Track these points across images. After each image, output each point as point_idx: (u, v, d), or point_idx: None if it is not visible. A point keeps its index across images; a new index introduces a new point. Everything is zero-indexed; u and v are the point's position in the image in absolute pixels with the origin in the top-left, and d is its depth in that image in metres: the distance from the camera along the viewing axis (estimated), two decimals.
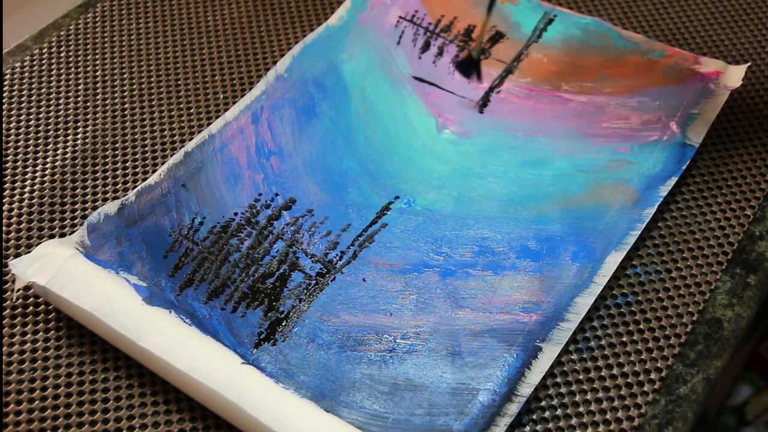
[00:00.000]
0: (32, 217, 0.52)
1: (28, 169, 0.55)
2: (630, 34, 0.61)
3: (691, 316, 0.46)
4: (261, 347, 0.45)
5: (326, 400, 0.43)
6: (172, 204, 0.50)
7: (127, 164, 0.55)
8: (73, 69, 0.61)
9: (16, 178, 0.54)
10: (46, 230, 0.51)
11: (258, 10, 0.66)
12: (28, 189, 0.53)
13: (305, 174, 0.54)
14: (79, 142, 0.56)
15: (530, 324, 0.45)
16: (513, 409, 0.41)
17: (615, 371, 0.44)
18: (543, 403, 0.43)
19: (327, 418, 0.40)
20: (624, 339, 0.46)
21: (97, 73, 0.61)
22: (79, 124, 0.58)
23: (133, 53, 0.62)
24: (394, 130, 0.57)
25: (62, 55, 0.62)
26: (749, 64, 0.59)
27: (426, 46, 0.62)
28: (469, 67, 0.61)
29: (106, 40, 0.63)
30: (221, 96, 0.59)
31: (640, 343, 0.45)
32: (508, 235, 0.50)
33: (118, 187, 0.54)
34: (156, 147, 0.56)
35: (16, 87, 0.60)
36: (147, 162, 0.55)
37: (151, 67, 0.61)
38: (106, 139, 0.57)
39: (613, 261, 0.47)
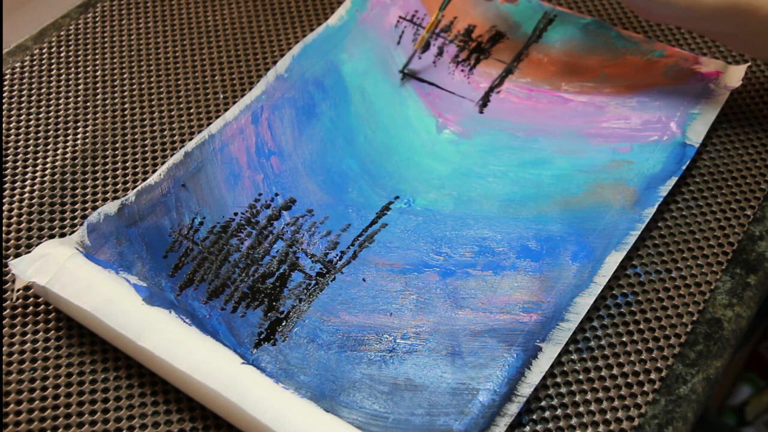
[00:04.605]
0: (32, 217, 0.52)
1: (28, 169, 0.55)
2: (630, 34, 0.61)
3: (691, 316, 0.46)
4: (261, 347, 0.45)
5: (326, 400, 0.43)
6: (172, 204, 0.50)
7: (127, 164, 0.55)
8: (73, 69, 0.61)
9: (16, 178, 0.54)
10: (46, 230, 0.51)
11: (258, 10, 0.66)
12: (28, 189, 0.53)
13: (305, 174, 0.54)
14: (79, 142, 0.56)
15: (530, 324, 0.45)
16: (513, 409, 0.41)
17: (615, 371, 0.44)
18: (543, 403, 0.43)
19: (327, 418, 0.40)
20: (624, 339, 0.46)
21: (97, 73, 0.61)
22: (79, 124, 0.58)
23: (133, 53, 0.62)
24: (394, 130, 0.57)
25: (62, 55, 0.62)
26: (749, 64, 0.59)
27: (426, 46, 0.62)
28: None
29: (106, 40, 0.63)
30: (221, 96, 0.59)
31: (640, 343, 0.45)
32: (508, 235, 0.50)
33: (118, 187, 0.53)
34: (156, 147, 0.56)
35: (16, 87, 0.60)
36: (147, 162, 0.55)
37: (151, 67, 0.61)
38: (106, 139, 0.57)
39: (613, 261, 0.47)
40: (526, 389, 0.42)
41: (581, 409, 0.43)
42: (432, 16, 0.63)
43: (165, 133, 0.57)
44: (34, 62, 0.62)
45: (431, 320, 0.46)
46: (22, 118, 0.58)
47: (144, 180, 0.52)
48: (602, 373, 0.44)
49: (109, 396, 0.43)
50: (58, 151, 0.56)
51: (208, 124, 0.56)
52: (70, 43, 0.63)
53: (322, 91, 0.57)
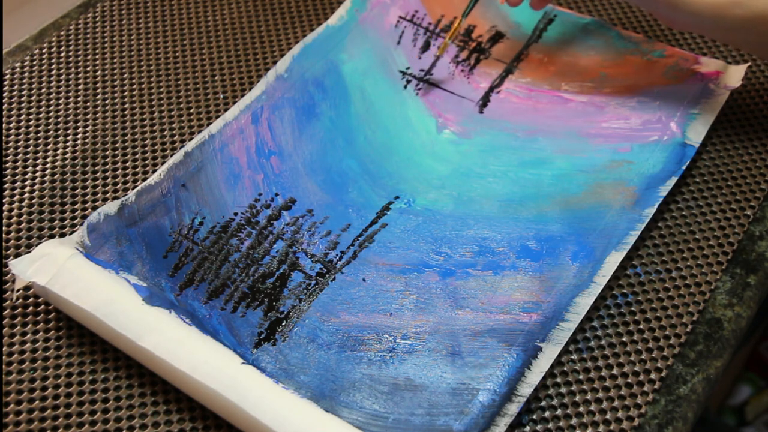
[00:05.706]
0: (32, 217, 0.52)
1: (28, 169, 0.55)
2: (630, 34, 0.61)
3: (691, 316, 0.46)
4: (261, 347, 0.45)
5: (326, 400, 0.43)
6: (172, 204, 0.50)
7: (127, 164, 0.55)
8: (73, 69, 0.61)
9: (16, 178, 0.54)
10: (46, 230, 0.51)
11: (258, 10, 0.66)
12: (28, 189, 0.53)
13: (305, 174, 0.54)
14: (79, 142, 0.56)
15: (530, 324, 0.45)
16: (513, 409, 0.41)
17: (615, 371, 0.44)
18: (543, 403, 0.43)
19: (327, 418, 0.40)
20: (624, 339, 0.46)
21: (97, 73, 0.61)
22: (79, 124, 0.58)
23: (133, 53, 0.62)
24: (394, 130, 0.57)
25: (62, 55, 0.62)
26: (749, 64, 0.59)
27: (426, 46, 0.62)
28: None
29: (106, 40, 0.63)
30: (221, 96, 0.59)
31: (640, 343, 0.45)
32: (508, 235, 0.50)
33: (118, 187, 0.54)
34: (156, 147, 0.56)
35: (16, 87, 0.60)
36: (147, 162, 0.55)
37: (151, 67, 0.61)
38: (106, 139, 0.57)
39: (613, 261, 0.47)
40: (526, 389, 0.42)
41: (581, 409, 0.43)
42: (432, 17, 0.64)
43: (165, 133, 0.57)
44: (34, 62, 0.62)
45: (431, 320, 0.46)
46: (22, 118, 0.58)
47: (144, 180, 0.52)
48: (602, 373, 0.44)
49: (109, 396, 0.43)
50: (58, 151, 0.56)
51: (208, 124, 0.56)
52: (70, 43, 0.63)
53: (322, 91, 0.57)
